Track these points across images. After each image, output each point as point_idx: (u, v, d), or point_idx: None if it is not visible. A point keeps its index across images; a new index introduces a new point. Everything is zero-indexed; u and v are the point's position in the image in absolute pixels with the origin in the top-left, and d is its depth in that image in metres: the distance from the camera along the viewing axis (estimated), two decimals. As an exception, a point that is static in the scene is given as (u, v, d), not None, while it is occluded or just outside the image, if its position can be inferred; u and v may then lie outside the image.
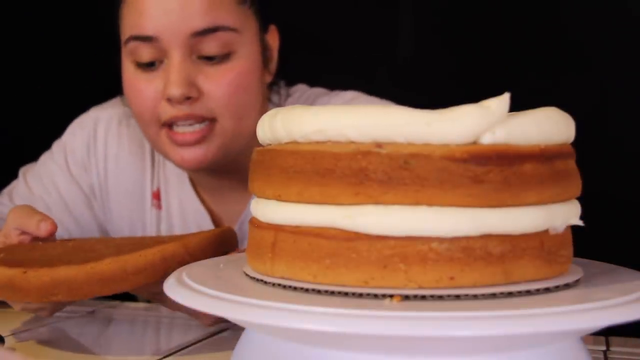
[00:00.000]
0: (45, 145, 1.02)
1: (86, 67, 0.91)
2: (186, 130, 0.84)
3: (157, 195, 0.98)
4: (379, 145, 0.41)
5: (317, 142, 0.43)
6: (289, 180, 0.44)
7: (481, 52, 1.29)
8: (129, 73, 0.87)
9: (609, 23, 1.23)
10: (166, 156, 0.88)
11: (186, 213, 0.97)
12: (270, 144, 0.47)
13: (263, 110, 0.92)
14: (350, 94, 0.98)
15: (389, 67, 1.32)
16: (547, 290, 0.42)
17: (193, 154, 0.85)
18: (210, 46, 0.83)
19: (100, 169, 1.00)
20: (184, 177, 0.98)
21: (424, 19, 1.34)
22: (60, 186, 0.98)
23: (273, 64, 0.93)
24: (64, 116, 1.03)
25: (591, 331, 0.43)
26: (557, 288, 0.43)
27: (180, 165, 0.87)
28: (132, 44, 0.84)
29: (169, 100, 0.83)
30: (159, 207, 0.99)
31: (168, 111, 0.84)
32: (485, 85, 1.21)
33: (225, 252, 0.65)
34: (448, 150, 0.40)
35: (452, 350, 0.39)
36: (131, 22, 0.84)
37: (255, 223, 0.48)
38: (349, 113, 0.42)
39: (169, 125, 0.85)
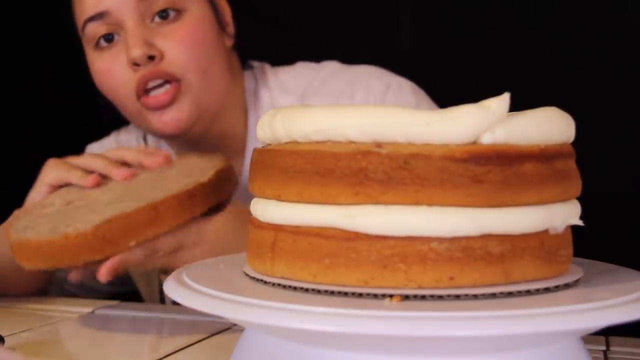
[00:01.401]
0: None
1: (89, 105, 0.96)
2: (158, 92, 0.87)
3: None
4: (379, 145, 0.41)
5: (317, 142, 0.43)
6: (288, 180, 0.44)
7: (481, 52, 1.29)
8: (94, 59, 0.90)
9: (609, 23, 1.23)
10: (149, 127, 0.91)
11: None
12: (270, 144, 0.47)
13: (233, 73, 0.95)
14: (330, 67, 1.00)
15: (389, 66, 1.31)
16: (547, 290, 0.42)
17: (170, 115, 0.88)
18: (160, 6, 0.87)
19: None
20: None
21: (424, 19, 1.34)
22: None
23: (230, 28, 0.96)
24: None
25: (591, 331, 0.43)
26: (557, 288, 0.43)
27: (161, 130, 0.89)
28: (89, 27, 0.88)
29: (134, 64, 0.86)
30: None
31: (135, 76, 0.86)
32: (485, 85, 1.21)
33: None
34: (448, 150, 0.40)
35: (452, 350, 0.39)
36: (82, 9, 0.88)
37: (255, 223, 0.48)
38: (349, 113, 0.42)
39: (144, 92, 0.87)
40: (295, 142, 0.44)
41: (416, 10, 1.33)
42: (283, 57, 1.05)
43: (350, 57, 1.29)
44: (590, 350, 0.47)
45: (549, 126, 0.43)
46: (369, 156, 0.41)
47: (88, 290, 1.01)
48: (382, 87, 0.96)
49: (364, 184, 0.41)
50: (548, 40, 1.26)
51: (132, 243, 0.65)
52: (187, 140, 0.93)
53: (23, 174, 0.87)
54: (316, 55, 1.05)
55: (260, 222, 0.47)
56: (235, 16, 0.96)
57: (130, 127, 1.09)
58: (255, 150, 0.48)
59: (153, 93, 0.87)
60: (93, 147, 1.09)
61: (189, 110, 0.88)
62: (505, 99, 0.41)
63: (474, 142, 0.41)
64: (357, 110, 0.42)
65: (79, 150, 1.09)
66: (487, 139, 0.41)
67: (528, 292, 0.41)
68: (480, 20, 1.30)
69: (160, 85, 0.87)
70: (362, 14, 1.36)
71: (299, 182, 0.43)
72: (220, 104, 0.92)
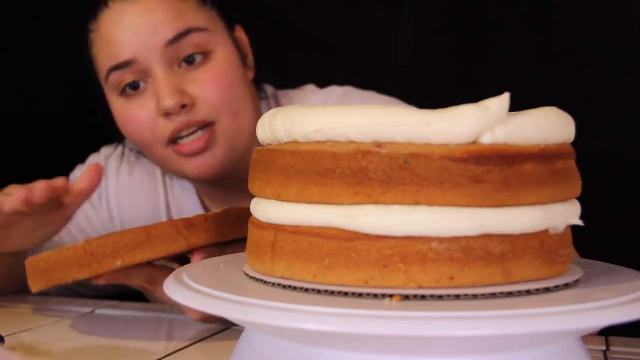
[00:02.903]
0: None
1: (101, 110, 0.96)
2: (192, 140, 0.85)
3: None
4: (379, 145, 0.41)
5: (317, 142, 0.43)
6: (289, 180, 0.44)
7: (481, 52, 1.29)
8: (119, 107, 0.88)
9: (609, 23, 1.22)
10: (179, 172, 0.89)
11: None
12: (270, 144, 0.47)
13: (256, 108, 0.94)
14: (340, 91, 0.99)
15: (390, 67, 1.32)
16: (547, 290, 0.42)
17: (204, 161, 0.86)
18: (188, 51, 0.84)
19: (112, 205, 1.02)
20: (194, 199, 1.00)
21: (425, 20, 1.34)
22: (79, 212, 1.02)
23: (250, 60, 0.95)
24: (77, 154, 1.08)
25: (591, 331, 0.43)
26: (557, 288, 0.43)
27: (194, 176, 0.87)
28: (114, 76, 0.85)
29: (166, 114, 0.84)
30: None
31: (168, 126, 0.84)
32: (485, 85, 1.21)
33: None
34: (448, 150, 0.40)
35: (452, 350, 0.39)
36: (106, 56, 0.85)
37: (255, 223, 0.48)
38: (349, 113, 0.42)
39: (174, 141, 0.85)
40: (296, 142, 0.44)
41: (417, 12, 1.33)
42: (289, 66, 1.06)
43: (351, 61, 1.29)
44: (590, 350, 0.47)
45: (549, 126, 0.43)
46: (369, 156, 0.41)
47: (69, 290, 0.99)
48: None
49: (364, 184, 0.41)
50: (548, 40, 1.26)
51: (119, 263, 0.62)
52: (213, 181, 0.91)
53: (39, 171, 0.86)
54: (318, 59, 1.05)
55: (260, 222, 0.47)
56: (252, 44, 0.95)
57: (122, 143, 1.06)
58: (256, 151, 0.48)
59: (185, 140, 0.85)
60: (110, 153, 1.06)
61: (223, 154, 0.86)
62: (505, 99, 0.41)
63: (474, 142, 0.41)
64: (357, 110, 0.42)
65: (95, 149, 1.08)
66: (487, 139, 0.41)
67: (528, 292, 0.41)
68: (480, 20, 1.30)
69: (192, 132, 0.85)
70: (363, 17, 1.36)
71: (299, 182, 0.43)
72: (250, 141, 0.90)
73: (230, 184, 0.94)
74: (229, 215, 0.67)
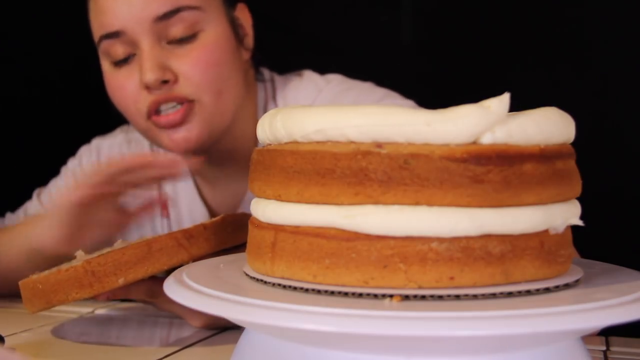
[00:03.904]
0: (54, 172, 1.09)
1: (91, 99, 0.96)
2: (170, 112, 0.87)
3: (164, 206, 1.00)
4: (379, 145, 0.41)
5: (317, 142, 0.43)
6: (289, 180, 0.44)
7: (481, 52, 1.29)
8: (108, 73, 0.90)
9: (610, 22, 1.23)
10: (157, 142, 0.91)
11: (195, 215, 1.01)
12: (270, 144, 0.47)
13: (248, 89, 0.95)
14: (336, 80, 1.00)
15: (391, 67, 1.32)
16: (547, 290, 0.42)
17: (180, 135, 0.87)
18: (177, 28, 0.85)
19: None
20: (189, 184, 1.00)
21: (425, 20, 1.34)
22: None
23: (248, 40, 0.95)
24: (69, 145, 1.10)
25: (591, 331, 0.43)
26: (557, 288, 0.43)
27: (170, 147, 0.89)
28: (104, 44, 0.87)
29: (147, 88, 0.85)
30: (167, 215, 1.02)
31: (148, 98, 0.86)
32: (485, 84, 1.21)
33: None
34: (448, 150, 0.40)
35: (451, 350, 0.39)
36: (99, 23, 0.87)
37: (255, 223, 0.48)
38: (349, 113, 0.42)
39: (155, 112, 0.87)
40: (296, 142, 0.44)
41: (416, 11, 1.33)
42: (291, 57, 1.06)
43: (351, 59, 1.29)
44: (590, 350, 0.47)
45: (549, 126, 0.43)
46: (369, 156, 0.41)
47: None
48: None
49: (364, 184, 0.41)
50: (548, 39, 1.26)
51: (121, 280, 0.62)
52: (197, 152, 0.93)
53: (31, 164, 0.86)
54: (319, 56, 1.05)
55: (260, 222, 0.47)
56: (255, 24, 0.95)
57: (113, 133, 1.08)
58: (256, 151, 0.48)
59: (164, 113, 0.87)
60: (103, 144, 1.07)
61: (199, 130, 0.88)
62: (505, 99, 0.41)
63: (474, 142, 0.41)
64: (357, 110, 0.42)
65: (85, 141, 1.09)
66: (487, 139, 0.41)
67: (528, 292, 0.41)
68: (479, 20, 1.30)
69: (172, 106, 0.86)
70: (362, 14, 1.36)
71: (299, 182, 0.43)
72: (232, 119, 0.91)
73: (220, 161, 0.96)
74: (226, 222, 0.67)
